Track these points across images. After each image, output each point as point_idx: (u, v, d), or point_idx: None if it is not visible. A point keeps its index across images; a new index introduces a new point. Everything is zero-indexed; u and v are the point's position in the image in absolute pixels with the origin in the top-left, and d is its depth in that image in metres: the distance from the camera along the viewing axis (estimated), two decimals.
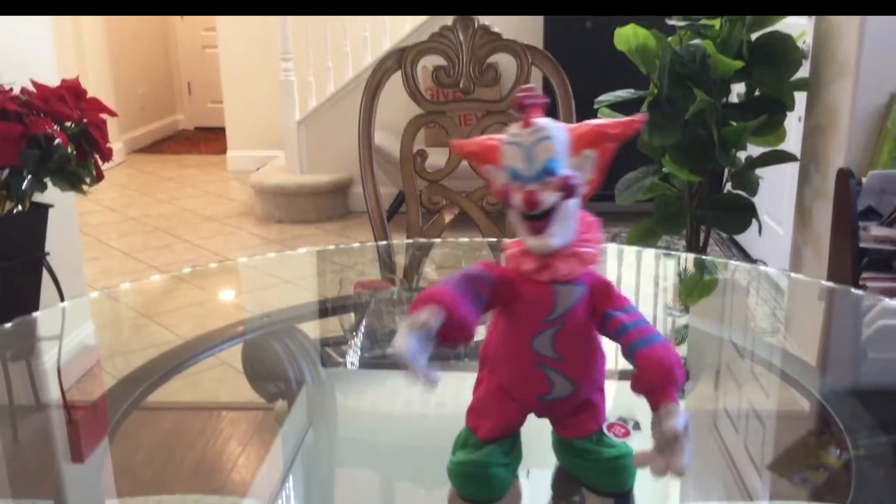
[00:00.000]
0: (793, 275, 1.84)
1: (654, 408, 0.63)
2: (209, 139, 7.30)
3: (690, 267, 1.57)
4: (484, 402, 0.72)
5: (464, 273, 0.66)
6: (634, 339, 0.65)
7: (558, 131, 0.63)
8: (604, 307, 0.66)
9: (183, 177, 5.97)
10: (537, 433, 0.73)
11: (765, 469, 0.87)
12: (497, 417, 0.70)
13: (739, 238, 3.86)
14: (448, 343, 0.63)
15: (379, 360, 1.13)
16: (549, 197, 0.62)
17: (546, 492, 0.77)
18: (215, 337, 1.14)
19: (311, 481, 0.86)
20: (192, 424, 0.98)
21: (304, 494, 0.83)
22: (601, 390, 0.72)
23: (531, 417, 0.72)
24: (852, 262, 2.24)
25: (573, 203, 0.64)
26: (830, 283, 1.40)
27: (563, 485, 0.75)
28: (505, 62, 1.72)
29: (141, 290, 1.40)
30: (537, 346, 0.67)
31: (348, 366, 1.13)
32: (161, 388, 1.00)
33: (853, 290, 1.40)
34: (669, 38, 2.70)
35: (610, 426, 0.71)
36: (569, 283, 0.65)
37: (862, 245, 2.23)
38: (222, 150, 6.35)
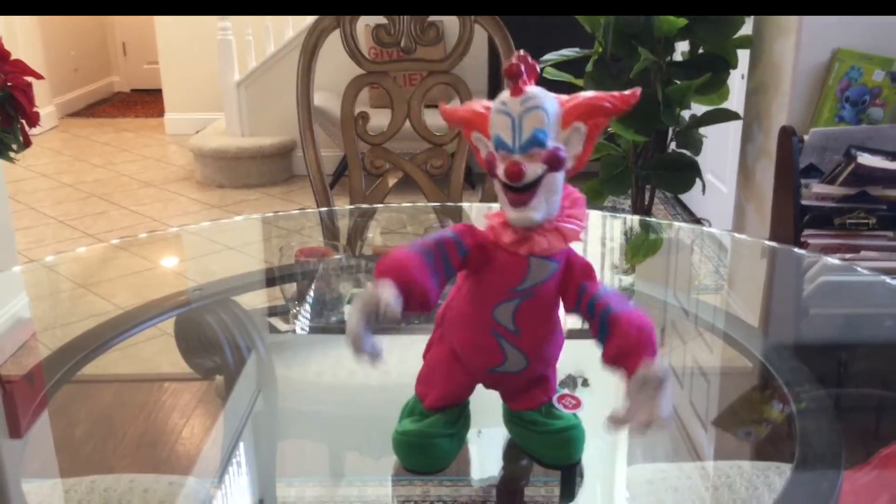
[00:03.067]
0: (735, 235, 1.86)
1: (632, 370, 0.61)
2: (146, 101, 7.12)
3: (636, 227, 1.57)
4: (434, 368, 0.70)
5: (437, 238, 0.63)
6: (611, 303, 0.63)
7: (550, 102, 0.61)
8: (580, 280, 0.64)
9: (119, 141, 5.81)
10: (491, 400, 0.72)
11: (710, 424, 0.88)
12: (445, 386, 0.69)
13: (684, 197, 3.90)
14: (404, 313, 0.61)
15: (323, 327, 1.11)
16: (534, 169, 0.60)
17: (496, 461, 0.77)
18: (153, 308, 1.10)
19: (254, 453, 0.84)
20: (133, 396, 0.96)
21: (247, 466, 0.81)
22: (553, 367, 0.70)
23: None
24: (794, 219, 2.27)
25: (559, 177, 0.62)
26: (773, 243, 1.42)
27: (514, 455, 0.74)
28: (447, 21, 1.68)
29: (77, 258, 1.35)
30: (498, 315, 0.65)
31: (297, 331, 1.10)
32: (99, 360, 0.97)
33: (795, 249, 1.42)
34: None
35: (560, 398, 0.70)
36: (545, 257, 0.63)
37: (803, 202, 2.25)
38: (160, 112, 6.19)
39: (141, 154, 5.42)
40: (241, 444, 0.84)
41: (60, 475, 0.81)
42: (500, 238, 0.63)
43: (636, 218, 1.64)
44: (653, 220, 1.65)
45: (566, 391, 0.72)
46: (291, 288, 1.25)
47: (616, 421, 0.62)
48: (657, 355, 0.61)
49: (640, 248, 1.47)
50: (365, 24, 1.70)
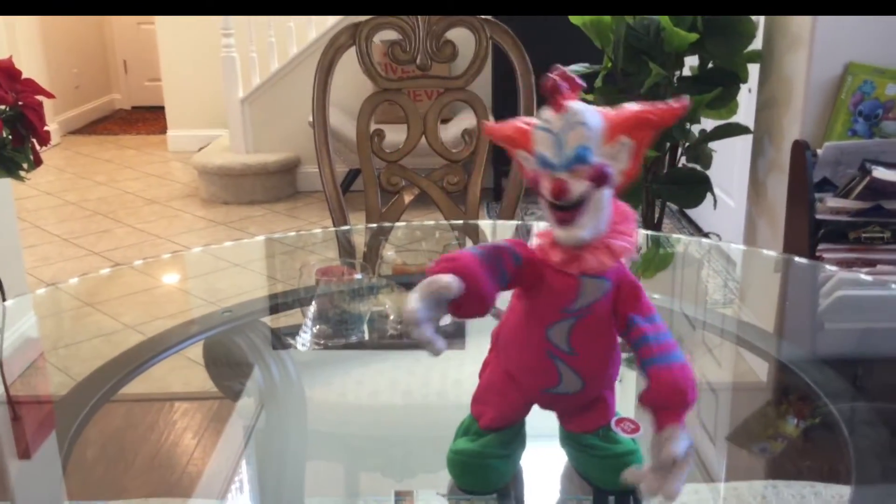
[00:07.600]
0: (751, 248, 1.84)
1: (659, 427, 0.61)
2: (147, 119, 7.12)
3: (646, 242, 1.56)
4: (489, 388, 0.70)
5: (493, 244, 0.63)
6: (654, 353, 0.62)
7: (593, 117, 0.59)
8: (629, 311, 0.63)
9: (122, 158, 5.80)
10: (549, 421, 0.71)
11: (723, 441, 0.86)
12: (501, 406, 0.69)
13: (691, 212, 3.89)
14: (460, 314, 0.61)
15: (343, 346, 1.09)
16: (578, 186, 0.59)
17: (553, 484, 0.76)
18: (178, 333, 1.08)
19: (277, 474, 0.82)
20: (144, 417, 0.94)
21: (277, 487, 0.79)
22: (612, 388, 0.69)
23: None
24: (809, 233, 2.26)
25: (606, 193, 0.60)
26: (786, 255, 1.40)
27: (571, 477, 0.73)
28: (462, 37, 1.67)
29: (84, 277, 1.33)
30: (552, 336, 0.64)
31: (314, 349, 1.09)
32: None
33: (809, 260, 1.40)
34: None
35: (619, 421, 0.69)
36: (596, 276, 0.62)
37: (818, 216, 2.24)
38: (162, 129, 6.19)
39: (144, 171, 5.41)
40: (263, 465, 0.83)
41: (72, 496, 0.79)
42: (550, 257, 0.62)
43: (647, 232, 1.63)
44: (662, 234, 1.64)
45: (624, 415, 0.70)
46: (312, 307, 1.24)
47: (632, 476, 0.63)
48: (684, 417, 0.61)
49: (650, 262, 1.46)
50: (379, 40, 1.69)
